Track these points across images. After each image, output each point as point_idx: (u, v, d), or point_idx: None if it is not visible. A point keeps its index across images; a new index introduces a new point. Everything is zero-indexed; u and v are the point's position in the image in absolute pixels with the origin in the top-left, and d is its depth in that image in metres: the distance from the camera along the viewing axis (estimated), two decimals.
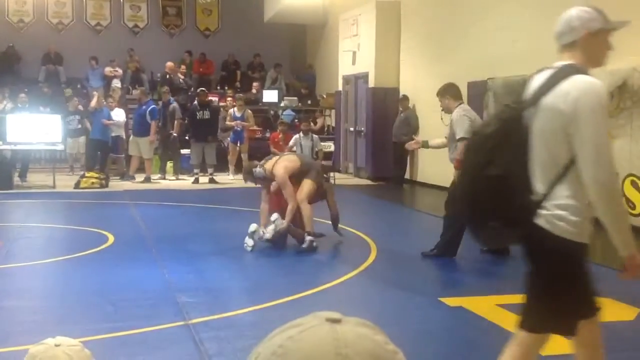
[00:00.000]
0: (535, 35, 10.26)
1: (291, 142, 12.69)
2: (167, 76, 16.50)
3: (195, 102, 14.00)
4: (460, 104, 6.82)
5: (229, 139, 14.33)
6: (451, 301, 5.40)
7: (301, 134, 12.91)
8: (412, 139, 8.05)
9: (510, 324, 4.85)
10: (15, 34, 18.16)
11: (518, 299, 5.43)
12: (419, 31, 13.81)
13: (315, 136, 13.21)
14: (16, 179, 12.85)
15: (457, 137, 6.56)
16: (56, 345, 1.79)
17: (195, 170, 13.66)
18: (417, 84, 13.72)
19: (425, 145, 7.40)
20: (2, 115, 13.24)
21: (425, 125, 13.03)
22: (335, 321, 0.76)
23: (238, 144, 14.13)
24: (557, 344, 4.54)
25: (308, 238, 7.17)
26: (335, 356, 0.71)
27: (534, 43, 10.27)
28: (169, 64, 16.71)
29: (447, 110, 6.88)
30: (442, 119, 7.45)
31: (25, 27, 18.45)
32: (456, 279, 6.44)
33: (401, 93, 13.95)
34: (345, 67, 15.99)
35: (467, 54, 12.02)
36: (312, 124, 14.57)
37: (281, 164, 7.08)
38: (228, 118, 14.15)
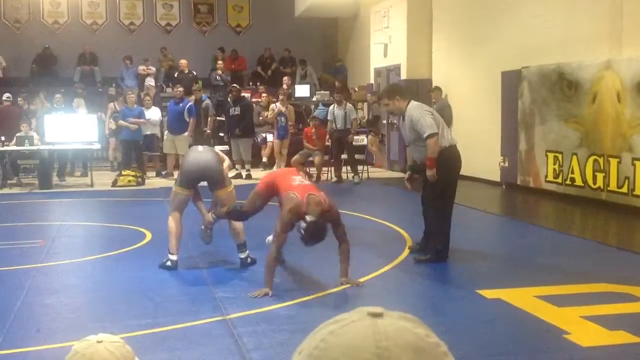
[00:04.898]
0: (570, 22, 10.09)
1: (329, 117, 12.90)
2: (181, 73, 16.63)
3: (229, 98, 14.10)
4: (409, 101, 6.49)
5: (266, 134, 14.40)
6: (489, 293, 5.35)
7: (335, 105, 13.04)
8: None
9: (550, 316, 4.82)
10: (51, 35, 18.46)
11: (557, 290, 5.39)
12: (451, 21, 13.69)
13: (349, 105, 13.26)
14: (55, 179, 13.08)
15: (425, 135, 6.20)
16: (98, 342, 1.82)
17: (237, 166, 13.74)
18: (450, 75, 13.60)
19: (412, 169, 6.87)
20: (41, 116, 13.49)
21: (459, 116, 12.93)
22: (377, 315, 0.76)
23: (282, 140, 14.21)
24: (598, 335, 4.49)
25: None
26: (375, 349, 0.72)
27: (569, 30, 10.11)
28: (182, 61, 16.80)
29: (398, 111, 6.54)
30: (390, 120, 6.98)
31: (60, 28, 18.75)
32: (493, 270, 6.36)
33: (434, 84, 13.86)
34: (376, 60, 15.93)
35: (500, 42, 11.87)
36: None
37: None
38: (270, 113, 14.21)
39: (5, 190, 12.35)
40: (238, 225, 6.43)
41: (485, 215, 9.48)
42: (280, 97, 14.50)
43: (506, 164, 11.73)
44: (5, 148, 12.62)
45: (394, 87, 6.79)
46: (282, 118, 14.15)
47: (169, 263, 6.28)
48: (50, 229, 8.92)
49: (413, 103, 6.47)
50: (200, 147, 6.75)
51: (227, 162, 6.84)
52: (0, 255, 7.12)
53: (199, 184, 6.48)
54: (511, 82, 11.46)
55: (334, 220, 5.58)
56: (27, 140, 12.60)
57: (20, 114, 13.92)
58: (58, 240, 8.09)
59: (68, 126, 12.90)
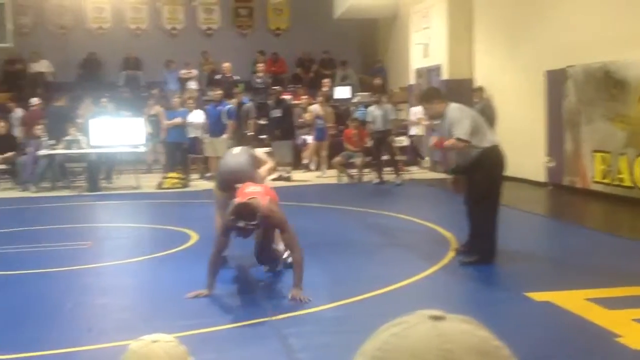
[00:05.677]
0: (616, 19, 9.89)
1: (369, 118, 12.94)
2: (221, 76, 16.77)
3: (270, 100, 14.19)
4: (448, 103, 6.45)
5: (305, 137, 14.47)
6: (538, 296, 5.27)
7: (374, 105, 13.03)
8: None
9: (601, 319, 4.73)
10: (96, 40, 18.82)
11: (608, 292, 5.29)
12: (493, 19, 13.54)
13: (388, 105, 13.21)
14: (102, 182, 13.33)
15: (454, 135, 6.18)
16: (153, 342, 1.85)
17: (278, 168, 13.84)
18: (493, 74, 13.46)
19: (455, 172, 6.78)
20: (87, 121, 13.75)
21: (502, 115, 12.77)
22: (439, 318, 0.76)
23: (320, 142, 14.26)
24: None
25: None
26: (439, 352, 0.72)
27: (614, 28, 9.91)
28: (226, 64, 16.96)
29: (437, 114, 6.48)
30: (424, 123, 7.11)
31: (105, 33, 19.10)
32: (541, 272, 6.26)
33: (475, 84, 13.72)
34: (417, 60, 15.85)
35: (544, 40, 11.70)
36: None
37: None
38: (308, 115, 14.28)
39: (55, 193, 12.63)
40: None
41: (532, 216, 9.35)
42: (318, 99, 14.55)
43: (552, 164, 11.54)
44: (54, 151, 12.91)
45: (432, 91, 6.79)
46: (320, 120, 14.19)
47: None
48: (98, 231, 9.11)
49: (452, 105, 6.46)
50: (235, 150, 6.75)
51: (268, 165, 6.84)
52: (50, 256, 7.29)
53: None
54: (556, 81, 11.29)
55: (276, 225, 5.57)
56: (75, 144, 12.87)
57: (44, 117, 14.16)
58: (106, 242, 8.25)
59: (114, 129, 13.14)
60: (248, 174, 6.34)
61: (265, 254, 6.08)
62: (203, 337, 4.59)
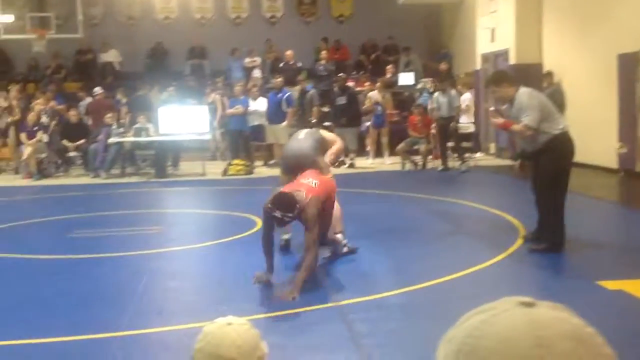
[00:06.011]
0: None
1: (434, 104, 12.90)
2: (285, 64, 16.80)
3: (335, 87, 14.19)
4: (518, 87, 6.24)
5: (367, 123, 14.41)
6: (611, 284, 5.12)
7: (439, 92, 12.86)
8: None
9: None
10: (162, 30, 19.18)
11: None
12: (563, 1, 13.14)
13: (453, 92, 13.01)
14: (169, 168, 13.63)
15: (523, 122, 6.03)
16: (228, 324, 1.87)
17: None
18: (562, 59, 13.08)
19: (521, 157, 6.85)
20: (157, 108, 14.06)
21: (572, 101, 12.43)
22: (529, 305, 0.74)
23: (378, 129, 14.18)
24: None
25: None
26: (534, 339, 0.70)
27: None
28: (288, 52, 16.99)
29: (506, 98, 6.29)
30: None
31: (171, 23, 19.44)
32: (614, 261, 6.07)
33: (545, 69, 13.37)
34: (483, 45, 15.54)
35: (616, 23, 11.29)
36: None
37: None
38: (367, 102, 14.22)
39: (125, 179, 12.99)
40: (335, 214, 6.42)
41: (603, 204, 9.09)
42: (377, 85, 14.42)
43: (624, 150, 11.16)
44: (123, 139, 13.26)
45: (502, 74, 6.62)
46: (379, 107, 14.09)
47: (282, 242, 6.46)
48: (167, 216, 9.32)
49: (522, 89, 6.28)
50: (301, 134, 6.67)
51: (337, 146, 6.78)
52: (121, 240, 7.50)
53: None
54: (628, 64, 10.89)
55: (305, 222, 5.39)
56: (143, 131, 13.19)
57: (110, 107, 14.50)
58: (174, 227, 8.44)
59: (180, 118, 13.39)
60: (311, 158, 6.31)
61: (323, 239, 6.02)
62: (269, 321, 4.65)
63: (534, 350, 0.69)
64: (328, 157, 6.61)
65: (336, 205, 6.38)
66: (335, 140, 6.84)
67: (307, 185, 5.56)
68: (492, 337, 0.72)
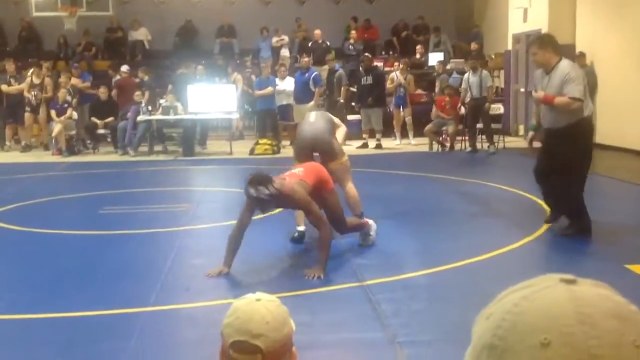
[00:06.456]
0: None
1: (463, 85, 12.78)
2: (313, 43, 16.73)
3: (361, 68, 14.10)
4: (561, 58, 6.01)
5: (392, 104, 14.33)
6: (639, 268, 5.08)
7: (470, 72, 12.72)
8: None
9: None
10: (192, 8, 19.18)
11: None
12: None
13: (485, 72, 12.88)
14: (197, 147, 13.70)
15: (570, 94, 5.79)
16: (257, 300, 1.88)
17: (364, 135, 13.81)
18: (596, 40, 12.84)
19: (536, 129, 6.57)
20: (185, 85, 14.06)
21: (605, 82, 12.22)
22: (571, 282, 0.73)
23: (401, 109, 14.09)
24: None
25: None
26: (576, 315, 0.69)
27: None
28: (317, 31, 16.90)
29: (544, 64, 6.01)
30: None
31: (201, 1, 19.43)
32: None
33: (577, 49, 13.14)
34: (515, 25, 15.31)
35: None
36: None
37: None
38: (389, 82, 14.12)
39: (153, 157, 13.10)
40: (352, 195, 6.37)
41: (633, 187, 8.94)
42: (400, 66, 14.28)
43: None
44: (152, 117, 13.35)
45: (549, 38, 6.19)
46: (401, 88, 13.96)
47: (296, 234, 6.30)
48: (195, 194, 9.39)
49: (566, 61, 6.07)
50: (312, 117, 6.48)
51: (342, 130, 6.69)
52: (150, 217, 7.59)
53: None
54: None
55: (299, 207, 5.44)
56: (172, 110, 13.25)
57: (137, 86, 14.50)
58: (202, 205, 8.50)
59: (209, 96, 13.42)
60: (327, 143, 6.25)
61: (343, 228, 5.89)
62: (296, 300, 4.66)
63: (577, 327, 0.68)
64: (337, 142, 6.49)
65: (352, 188, 6.35)
66: (340, 125, 6.78)
67: (289, 174, 5.51)
68: (533, 313, 0.71)
